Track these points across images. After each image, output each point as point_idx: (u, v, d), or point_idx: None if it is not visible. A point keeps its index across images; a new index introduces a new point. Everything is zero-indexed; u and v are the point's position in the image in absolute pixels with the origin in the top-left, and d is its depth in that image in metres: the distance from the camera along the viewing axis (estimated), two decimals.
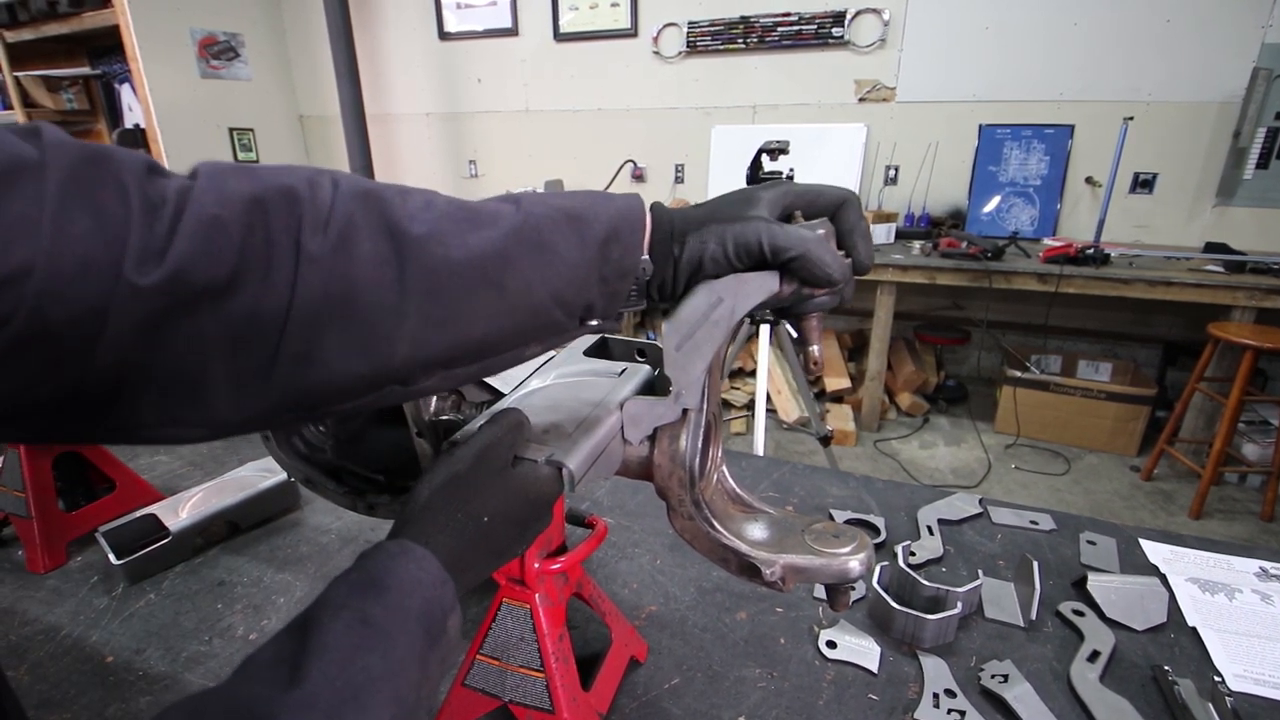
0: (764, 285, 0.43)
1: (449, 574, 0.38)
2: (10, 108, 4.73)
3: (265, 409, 0.35)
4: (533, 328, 0.40)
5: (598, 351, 0.63)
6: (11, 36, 4.49)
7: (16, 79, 4.59)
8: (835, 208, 0.45)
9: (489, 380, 0.56)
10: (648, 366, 0.59)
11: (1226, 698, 0.61)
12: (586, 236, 0.39)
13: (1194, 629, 0.74)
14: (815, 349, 0.47)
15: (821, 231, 0.43)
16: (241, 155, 4.57)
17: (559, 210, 0.39)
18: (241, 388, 0.33)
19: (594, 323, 0.42)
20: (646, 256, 0.42)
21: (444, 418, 0.55)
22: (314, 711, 0.29)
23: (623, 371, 0.57)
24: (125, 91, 4.83)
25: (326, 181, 0.35)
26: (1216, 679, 0.65)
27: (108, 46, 4.54)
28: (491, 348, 0.39)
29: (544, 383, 0.57)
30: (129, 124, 4.75)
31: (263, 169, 0.34)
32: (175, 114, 4.14)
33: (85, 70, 4.91)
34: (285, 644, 0.32)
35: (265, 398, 0.34)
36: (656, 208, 0.43)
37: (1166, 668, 0.66)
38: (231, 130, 4.49)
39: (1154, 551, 0.87)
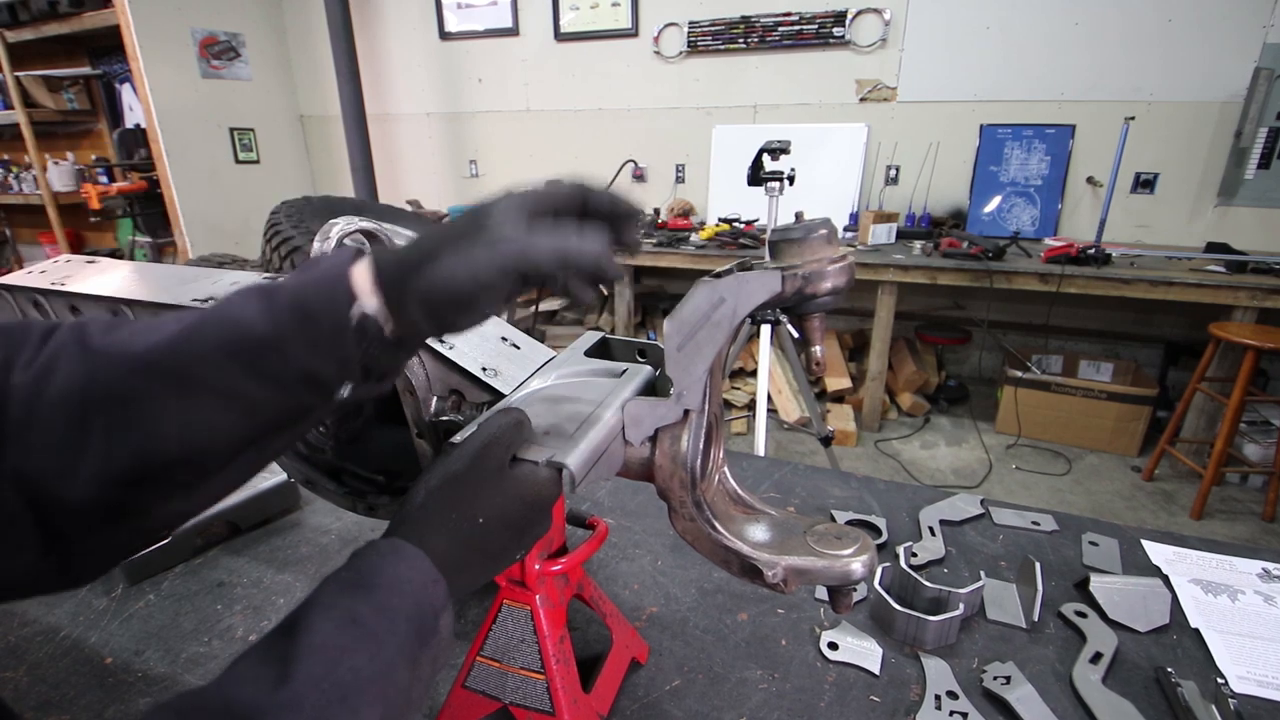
0: (766, 285, 0.43)
1: (442, 574, 0.37)
2: (11, 107, 4.74)
3: (27, 552, 0.35)
4: (238, 415, 0.37)
5: (598, 352, 0.63)
6: (12, 36, 4.50)
7: (17, 79, 4.59)
8: (579, 199, 0.41)
9: (489, 381, 0.56)
10: (649, 367, 0.59)
11: (1230, 699, 0.61)
12: (276, 301, 0.36)
13: (1197, 630, 0.73)
14: (818, 349, 0.47)
15: (824, 232, 0.43)
16: (242, 155, 4.57)
17: (256, 288, 0.38)
18: None
19: (344, 392, 0.38)
20: (374, 310, 0.37)
21: (444, 418, 0.55)
22: (300, 712, 0.29)
23: (623, 372, 0.57)
24: (126, 91, 4.84)
25: (63, 326, 0.38)
26: (1219, 681, 0.65)
27: (108, 46, 4.55)
28: (199, 448, 0.36)
29: (545, 383, 0.57)
30: (129, 124, 4.75)
31: (32, 324, 0.38)
32: (176, 114, 4.14)
33: (86, 70, 4.92)
34: (273, 644, 0.32)
35: (15, 529, 0.34)
36: (378, 253, 0.39)
37: (1169, 669, 0.66)
38: (232, 130, 4.49)
39: (1156, 552, 0.87)
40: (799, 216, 0.45)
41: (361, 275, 0.37)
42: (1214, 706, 0.61)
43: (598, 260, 0.37)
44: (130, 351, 0.36)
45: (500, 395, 0.56)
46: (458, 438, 0.46)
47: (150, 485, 0.36)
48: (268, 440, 0.39)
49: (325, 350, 0.36)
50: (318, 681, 0.30)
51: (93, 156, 4.96)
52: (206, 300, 0.64)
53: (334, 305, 0.36)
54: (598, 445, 0.47)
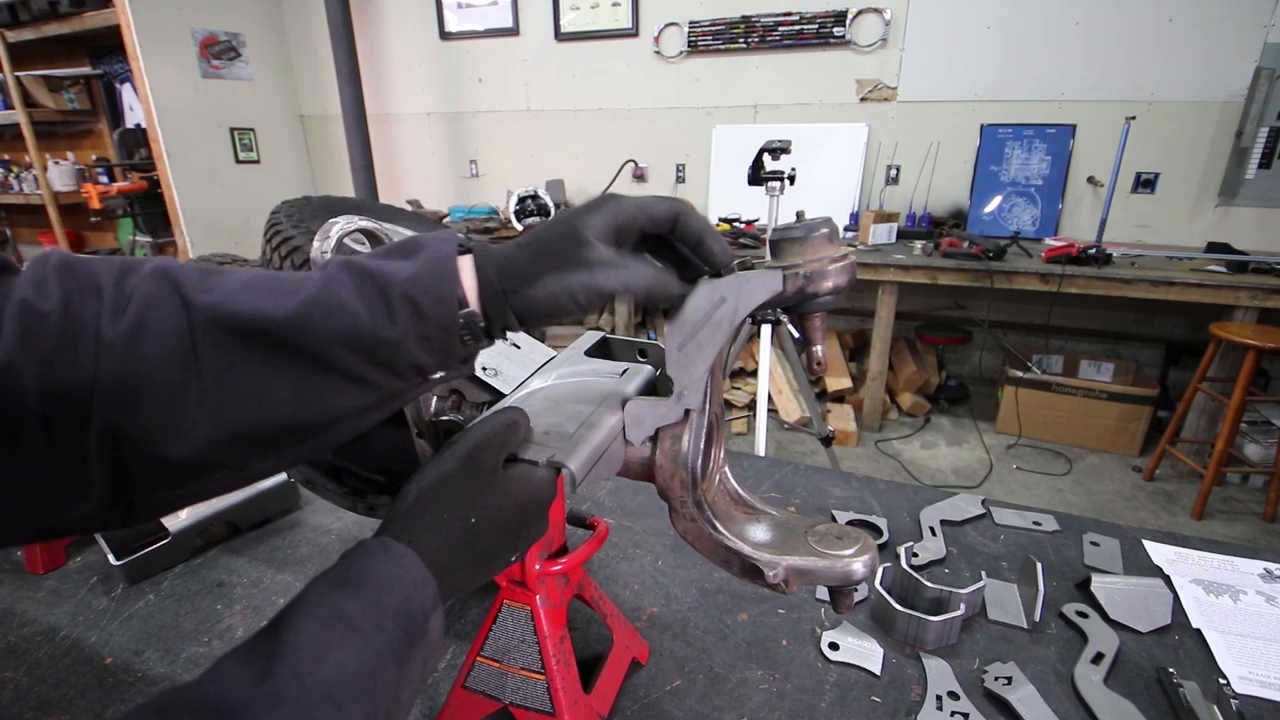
0: (767, 285, 0.43)
1: (432, 574, 0.37)
2: (11, 107, 4.74)
3: (91, 501, 0.35)
4: (353, 394, 0.38)
5: (599, 352, 0.63)
6: (13, 36, 4.50)
7: (18, 79, 4.59)
8: (670, 223, 0.43)
9: (489, 381, 0.56)
10: (649, 367, 0.58)
11: (1232, 700, 0.61)
12: (389, 295, 0.37)
13: (1198, 631, 0.73)
14: (819, 349, 0.47)
15: (825, 231, 0.43)
16: (242, 155, 4.57)
17: (360, 270, 0.38)
18: (59, 476, 0.34)
19: (436, 376, 0.40)
20: (475, 308, 0.40)
21: (444, 418, 0.54)
22: (282, 708, 0.29)
23: (624, 372, 0.57)
24: (126, 91, 4.84)
25: (139, 268, 0.37)
26: (1221, 681, 0.64)
27: (109, 46, 4.55)
28: (311, 419, 0.37)
29: (545, 383, 0.57)
30: (130, 124, 4.76)
31: (92, 262, 0.37)
32: (176, 114, 4.14)
33: (86, 70, 4.92)
34: (259, 642, 0.32)
35: (86, 485, 0.34)
36: (480, 254, 0.40)
37: (1171, 670, 0.65)
38: (232, 130, 4.49)
39: (1158, 553, 0.87)
40: (800, 215, 0.45)
41: (466, 276, 0.39)
42: (1216, 707, 0.61)
43: (674, 293, 0.43)
44: (240, 318, 0.35)
45: (500, 395, 0.56)
46: (455, 438, 0.45)
47: (253, 446, 0.37)
48: (368, 413, 0.40)
49: (434, 345, 0.38)
50: (301, 678, 0.30)
51: (93, 156, 4.96)
52: None
53: (445, 306, 0.38)
54: (598, 445, 0.47)
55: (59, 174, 4.93)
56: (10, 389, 0.32)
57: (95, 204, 4.15)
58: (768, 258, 0.46)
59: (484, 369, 0.57)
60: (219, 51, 4.34)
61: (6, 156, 5.55)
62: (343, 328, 0.36)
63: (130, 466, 0.35)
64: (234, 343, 0.35)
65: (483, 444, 0.43)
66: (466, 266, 0.40)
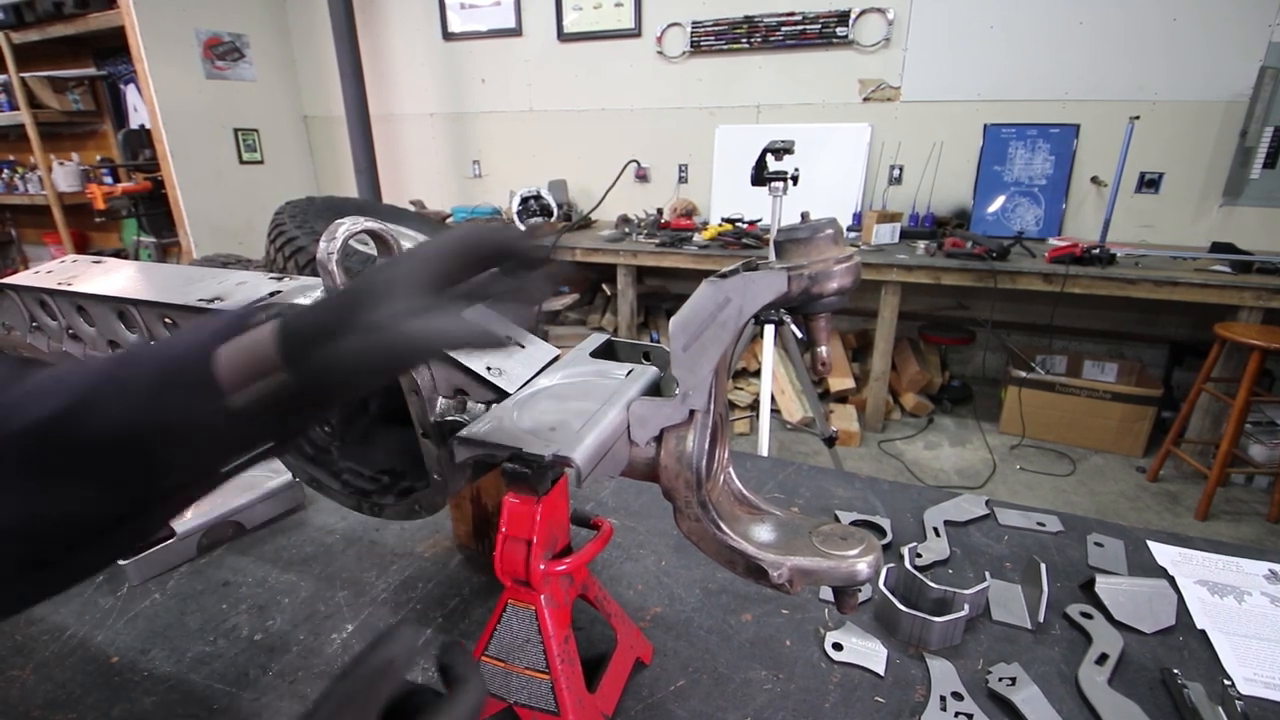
0: (772, 285, 0.43)
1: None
2: (16, 108, 4.76)
3: None
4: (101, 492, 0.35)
5: (603, 354, 0.63)
6: (18, 38, 4.52)
7: (23, 80, 4.61)
8: (502, 256, 0.38)
9: (494, 380, 0.56)
10: (654, 368, 0.59)
11: (1237, 701, 0.60)
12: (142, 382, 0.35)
13: (1203, 632, 0.73)
14: (824, 349, 0.47)
15: (830, 231, 0.43)
16: (246, 155, 4.58)
17: (119, 356, 0.37)
18: None
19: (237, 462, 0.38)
20: (286, 376, 0.35)
21: (449, 418, 0.55)
22: None
23: (629, 373, 0.57)
24: (131, 92, 4.86)
25: None
26: (1226, 682, 0.64)
27: (113, 47, 4.56)
28: (98, 522, 0.36)
29: (550, 382, 0.57)
30: (134, 125, 4.77)
31: None
32: (180, 115, 4.15)
33: (91, 71, 4.94)
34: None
35: None
36: (280, 323, 0.36)
37: (1176, 671, 0.65)
38: (236, 131, 4.50)
39: (1162, 553, 0.87)
40: (805, 216, 0.45)
41: (251, 352, 0.35)
42: (1221, 708, 0.60)
43: (485, 338, 0.35)
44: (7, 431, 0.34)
45: (505, 394, 0.56)
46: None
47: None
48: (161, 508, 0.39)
49: (198, 442, 0.36)
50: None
51: (98, 157, 4.98)
52: (212, 301, 0.64)
53: (190, 406, 0.35)
54: (604, 441, 0.47)
55: (64, 175, 4.95)
56: None
57: (100, 205, 4.16)
58: (772, 258, 0.46)
59: (489, 368, 0.57)
60: (223, 52, 4.35)
61: (11, 157, 5.57)
62: (99, 423, 0.34)
63: None
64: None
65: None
66: (266, 337, 0.35)
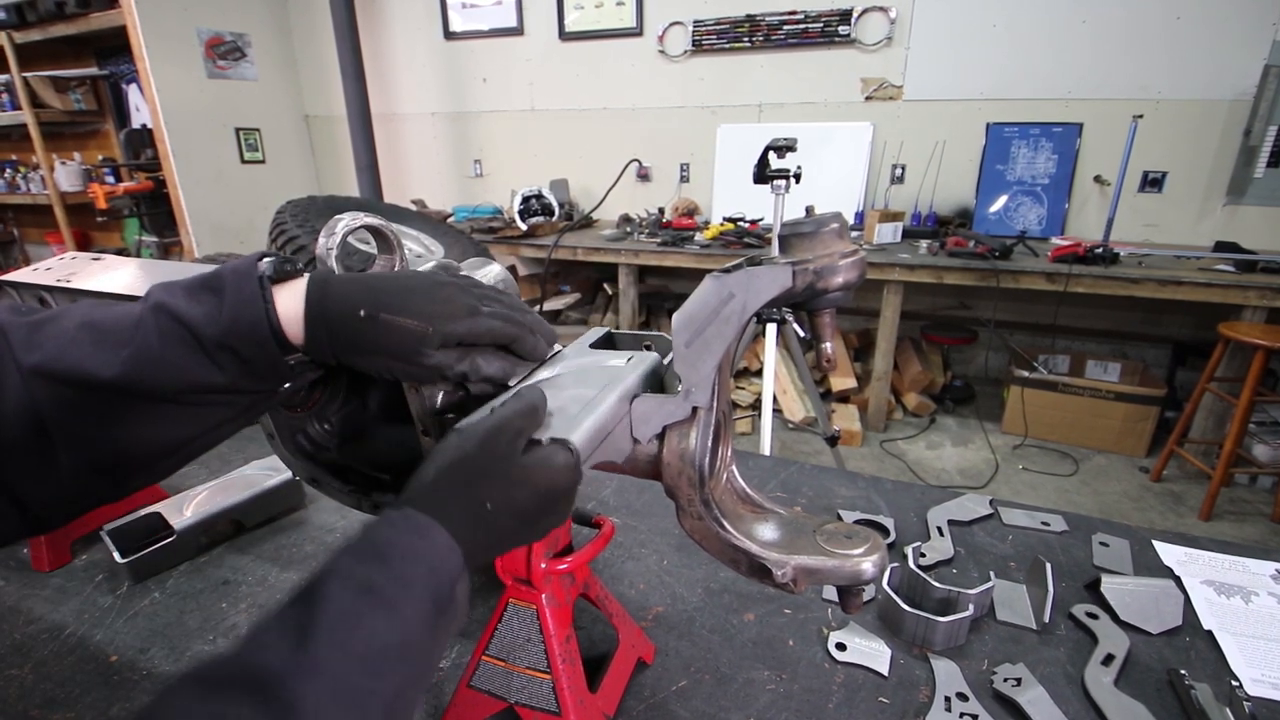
0: (777, 280, 0.42)
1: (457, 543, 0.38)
2: (19, 107, 4.76)
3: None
4: (207, 420, 0.43)
5: (604, 346, 0.62)
6: (20, 37, 4.52)
7: (25, 79, 4.62)
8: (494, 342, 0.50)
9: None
10: (655, 354, 0.58)
11: (1244, 702, 0.60)
12: (207, 346, 0.40)
13: (1210, 632, 0.73)
14: (828, 345, 0.46)
15: (835, 225, 0.43)
16: (248, 155, 4.58)
17: (173, 317, 0.40)
18: None
19: (288, 386, 0.45)
20: (299, 352, 0.43)
21: (449, 415, 0.54)
22: (321, 676, 0.29)
23: (629, 359, 0.56)
24: (133, 92, 4.86)
25: None
26: (1234, 683, 0.64)
27: (115, 47, 4.56)
28: (172, 444, 0.42)
29: (549, 374, 0.56)
30: (136, 124, 4.77)
31: None
32: (182, 114, 4.15)
33: (93, 71, 4.94)
34: (291, 612, 0.32)
35: None
36: (313, 291, 0.43)
37: (1183, 672, 0.65)
38: (238, 130, 4.50)
39: (1168, 553, 0.86)
40: (810, 210, 0.44)
41: (291, 306, 0.42)
42: (1228, 710, 0.60)
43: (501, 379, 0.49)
44: (70, 376, 0.38)
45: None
46: (473, 417, 0.45)
47: (113, 476, 0.42)
48: (219, 430, 0.45)
49: (267, 376, 0.42)
50: (339, 645, 0.31)
51: (99, 157, 4.98)
52: None
53: (263, 348, 0.41)
54: (603, 425, 0.46)
55: (65, 174, 4.96)
56: None
57: (101, 204, 4.17)
58: (774, 252, 0.46)
59: None
60: (224, 52, 4.35)
61: (14, 157, 5.58)
62: (172, 380, 0.39)
63: (22, 497, 0.39)
64: (69, 395, 0.38)
65: (502, 426, 0.42)
66: (291, 297, 0.43)
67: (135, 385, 0.39)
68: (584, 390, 0.50)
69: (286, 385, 0.45)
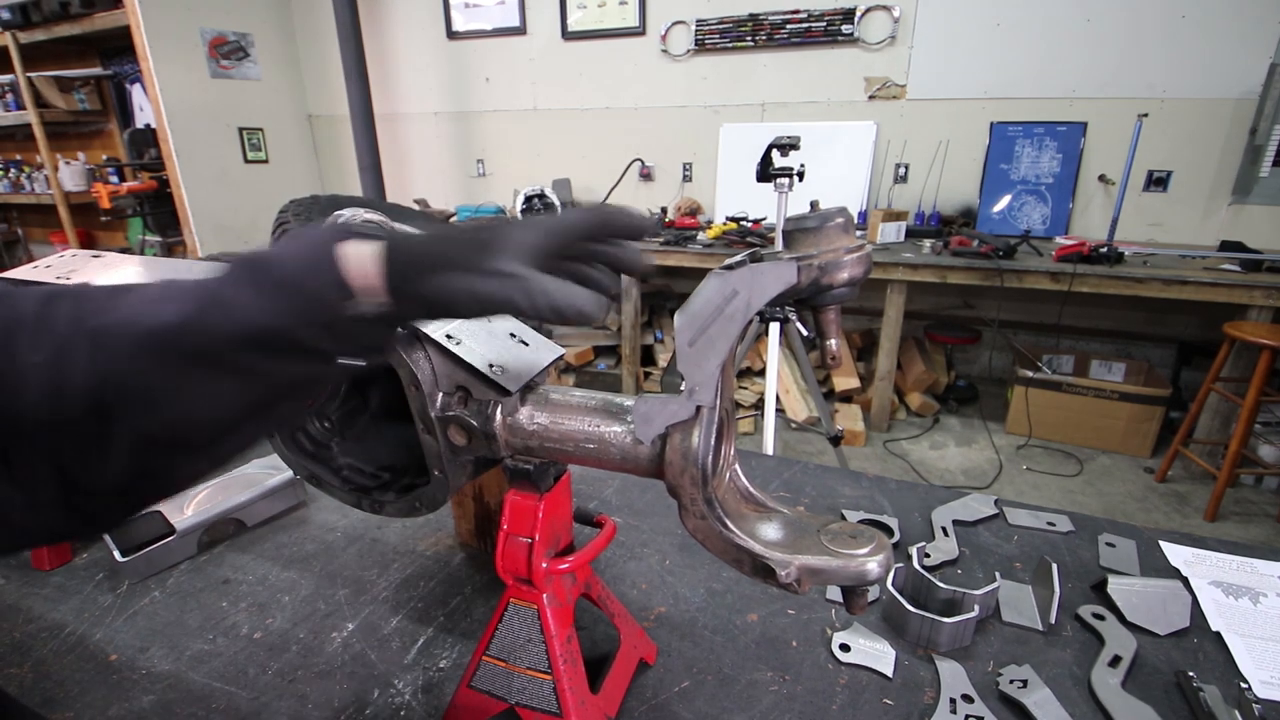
0: (781, 276, 0.42)
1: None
2: (23, 107, 4.78)
3: (47, 514, 0.37)
4: (270, 385, 0.40)
5: None
6: (25, 37, 4.54)
7: (29, 79, 4.63)
8: (587, 234, 0.42)
9: (496, 378, 0.55)
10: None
11: (1253, 705, 0.59)
12: (271, 286, 0.38)
13: (1218, 634, 0.72)
14: (833, 342, 0.45)
15: (840, 220, 0.42)
16: (251, 154, 4.59)
17: (249, 263, 0.39)
18: (17, 499, 0.36)
19: (345, 362, 0.42)
20: (382, 296, 0.39)
21: (450, 414, 0.54)
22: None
23: None
24: (136, 91, 4.87)
25: (54, 303, 0.39)
26: (1242, 685, 0.63)
27: (119, 47, 4.58)
28: (232, 415, 0.40)
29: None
30: (140, 124, 4.79)
31: (16, 294, 0.39)
32: (186, 114, 4.16)
33: (97, 71, 4.96)
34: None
35: (42, 502, 0.37)
36: (391, 243, 0.40)
37: (1191, 673, 0.64)
38: (241, 130, 4.51)
39: (1175, 554, 0.85)
40: (814, 205, 0.44)
41: (371, 263, 0.39)
42: (1237, 712, 0.59)
43: (586, 312, 0.40)
44: (139, 328, 0.37)
45: (506, 392, 0.55)
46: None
47: (172, 455, 0.40)
48: (281, 402, 0.42)
49: (327, 332, 0.39)
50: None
51: (103, 156, 5.00)
52: None
53: (328, 291, 0.39)
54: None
55: (69, 174, 4.97)
56: None
57: (105, 204, 4.18)
58: (780, 248, 0.45)
59: (490, 366, 0.56)
60: (228, 51, 4.35)
61: (18, 156, 5.59)
62: (234, 322, 0.37)
63: (77, 482, 0.37)
64: (137, 363, 0.37)
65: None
66: (369, 253, 0.40)
67: (201, 330, 0.37)
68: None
69: (349, 363, 0.42)
